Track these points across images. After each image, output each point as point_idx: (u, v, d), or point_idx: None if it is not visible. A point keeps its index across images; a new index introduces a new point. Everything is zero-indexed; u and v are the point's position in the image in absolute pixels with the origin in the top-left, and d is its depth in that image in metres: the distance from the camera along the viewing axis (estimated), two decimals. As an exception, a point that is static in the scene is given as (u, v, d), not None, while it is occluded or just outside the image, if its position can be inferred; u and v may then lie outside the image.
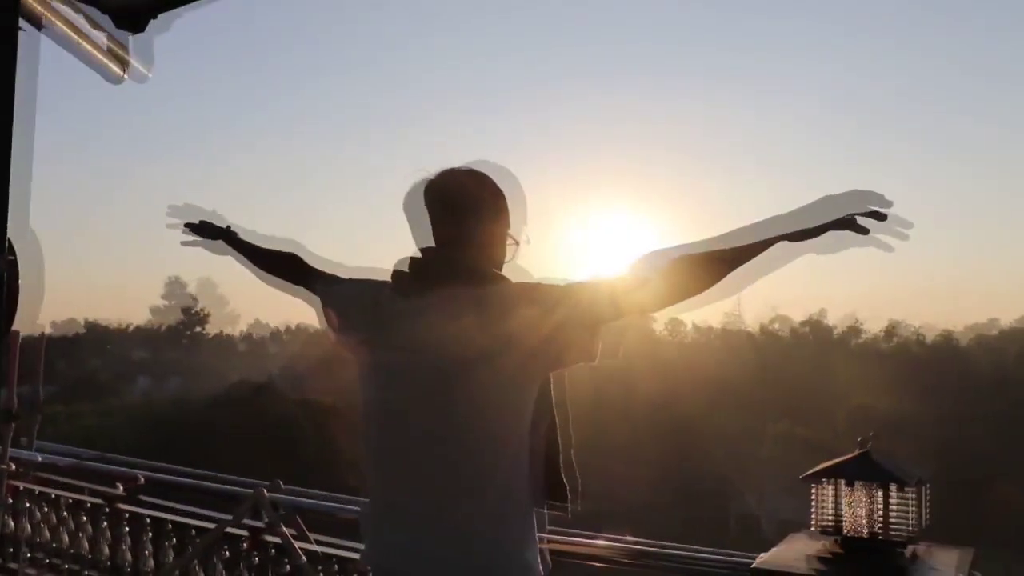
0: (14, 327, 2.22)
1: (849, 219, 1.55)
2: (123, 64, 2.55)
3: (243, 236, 2.17)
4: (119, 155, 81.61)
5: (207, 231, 2.18)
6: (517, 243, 1.80)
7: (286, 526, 3.54)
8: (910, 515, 2.30)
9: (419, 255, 1.77)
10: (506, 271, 1.77)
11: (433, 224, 1.77)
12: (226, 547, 3.71)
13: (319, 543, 3.53)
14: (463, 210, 1.74)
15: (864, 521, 2.33)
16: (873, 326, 41.80)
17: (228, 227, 2.17)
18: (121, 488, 4.24)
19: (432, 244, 1.77)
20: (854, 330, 41.41)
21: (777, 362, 35.46)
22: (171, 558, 3.93)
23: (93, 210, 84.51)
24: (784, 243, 1.57)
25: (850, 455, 2.43)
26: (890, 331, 40.86)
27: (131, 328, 53.68)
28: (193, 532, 3.87)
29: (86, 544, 4.24)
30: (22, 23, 2.01)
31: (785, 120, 68.80)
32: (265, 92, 79.83)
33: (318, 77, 78.25)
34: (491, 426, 1.63)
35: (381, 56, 75.50)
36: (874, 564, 2.31)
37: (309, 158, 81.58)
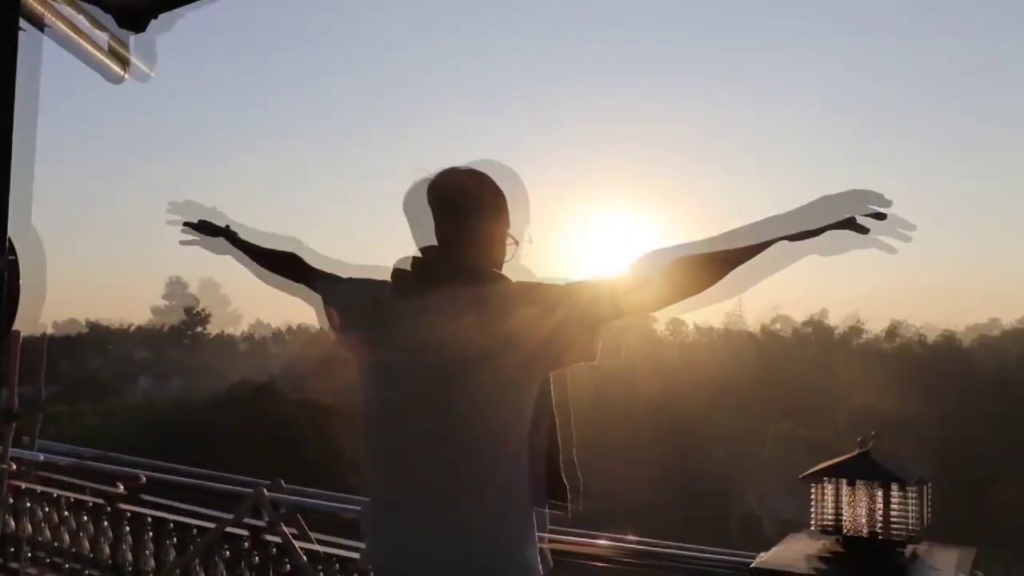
0: (15, 327, 2.22)
1: (849, 219, 1.55)
2: (124, 64, 2.55)
3: (243, 235, 2.16)
4: (120, 155, 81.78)
5: (206, 230, 2.18)
6: (516, 243, 1.80)
7: (287, 525, 3.54)
8: (910, 515, 2.30)
9: (419, 255, 1.77)
10: (509, 271, 1.77)
11: (435, 223, 1.78)
12: (227, 546, 3.72)
13: (320, 542, 3.54)
14: (463, 209, 1.75)
15: (864, 520, 2.33)
16: (875, 326, 41.85)
17: (227, 226, 2.16)
18: (122, 487, 4.25)
19: (432, 243, 1.78)
20: (856, 330, 41.42)
21: (778, 362, 35.43)
22: (172, 557, 3.94)
23: (94, 210, 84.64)
24: (787, 244, 1.58)
25: (850, 455, 2.43)
26: (892, 331, 40.87)
27: (132, 328, 53.79)
28: (194, 531, 3.88)
29: (87, 543, 4.25)
30: (23, 23, 2.02)
31: (786, 120, 68.78)
32: (266, 92, 79.93)
33: (319, 77, 78.31)
34: (491, 426, 1.63)
35: (381, 56, 75.59)
36: (874, 563, 2.31)
37: (310, 158, 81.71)
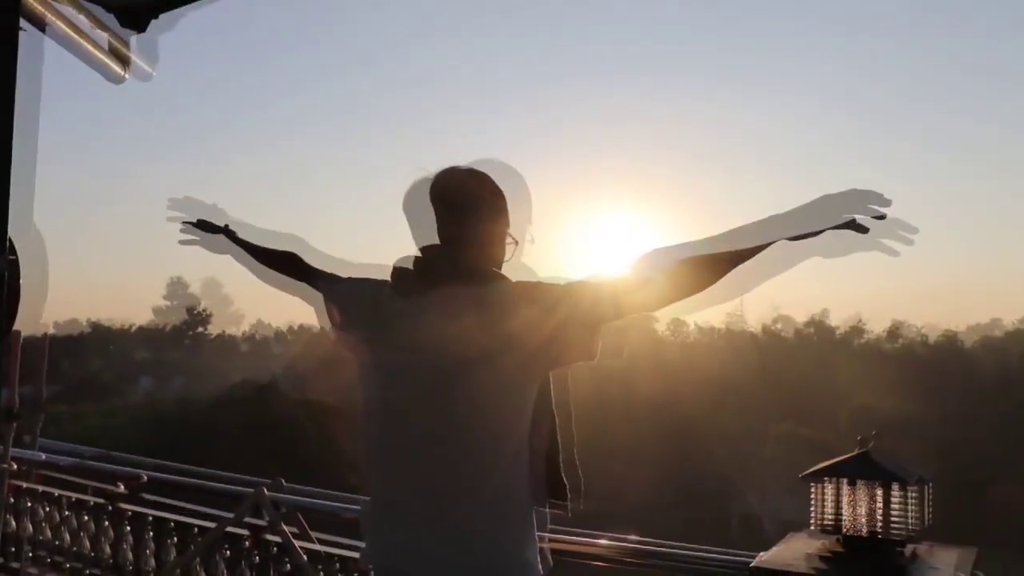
0: (16, 327, 2.22)
1: (850, 219, 1.55)
2: (125, 64, 2.56)
3: (243, 233, 2.15)
4: (122, 155, 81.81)
5: (205, 229, 2.17)
6: (516, 242, 1.80)
7: (287, 525, 3.54)
8: (910, 514, 2.29)
9: (419, 254, 1.77)
10: (510, 270, 1.77)
11: (437, 223, 1.78)
12: (228, 546, 3.72)
13: (321, 542, 3.54)
14: (463, 209, 1.75)
15: (864, 520, 2.32)
16: (876, 326, 41.87)
17: (226, 225, 2.15)
18: (123, 487, 4.26)
19: (432, 243, 1.77)
20: (857, 330, 41.40)
21: (780, 362, 35.42)
22: (173, 557, 3.94)
23: (96, 210, 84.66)
24: (789, 245, 1.57)
25: (850, 454, 2.43)
26: (893, 331, 40.87)
27: (134, 328, 53.85)
28: (195, 531, 3.88)
29: (88, 543, 4.25)
30: (24, 23, 2.02)
31: (786, 120, 68.84)
32: (267, 92, 79.97)
33: (319, 77, 78.31)
34: (491, 425, 1.63)
35: (382, 56, 75.70)
36: (874, 563, 2.30)
37: (311, 158, 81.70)
